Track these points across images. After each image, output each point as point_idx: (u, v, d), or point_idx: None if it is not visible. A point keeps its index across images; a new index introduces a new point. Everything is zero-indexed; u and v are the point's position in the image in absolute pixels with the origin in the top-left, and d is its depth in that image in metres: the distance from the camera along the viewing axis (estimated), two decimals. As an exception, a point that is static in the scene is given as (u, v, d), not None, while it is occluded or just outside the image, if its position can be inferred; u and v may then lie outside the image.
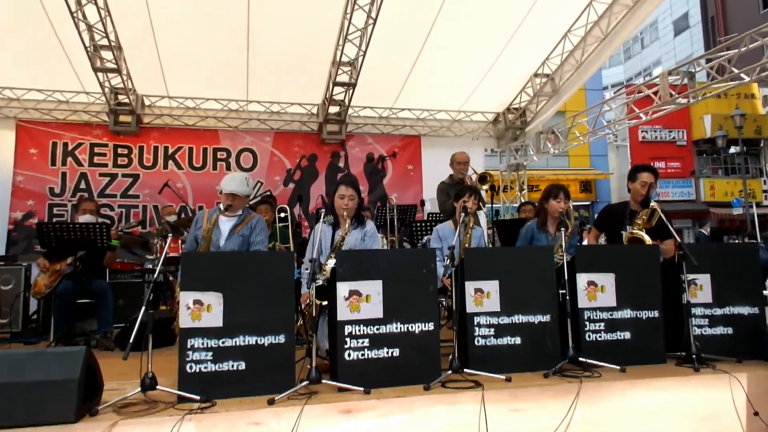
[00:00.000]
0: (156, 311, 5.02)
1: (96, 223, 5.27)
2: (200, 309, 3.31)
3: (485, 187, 6.16)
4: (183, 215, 8.41)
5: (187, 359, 3.24)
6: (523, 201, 9.49)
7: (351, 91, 8.51)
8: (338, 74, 7.97)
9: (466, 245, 4.42)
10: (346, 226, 4.00)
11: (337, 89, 8.48)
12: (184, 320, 3.29)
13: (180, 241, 6.06)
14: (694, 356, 3.77)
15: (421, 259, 3.60)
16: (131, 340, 2.96)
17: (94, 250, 5.19)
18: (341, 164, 9.85)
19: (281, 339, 3.38)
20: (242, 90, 8.94)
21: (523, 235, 4.67)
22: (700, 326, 4.09)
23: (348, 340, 3.43)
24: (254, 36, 7.65)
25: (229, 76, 8.44)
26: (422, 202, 9.02)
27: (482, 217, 6.07)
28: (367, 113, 9.88)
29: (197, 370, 3.24)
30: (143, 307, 3.09)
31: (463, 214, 4.43)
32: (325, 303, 3.71)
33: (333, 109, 9.26)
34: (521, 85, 9.71)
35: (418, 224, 6.57)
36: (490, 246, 5.79)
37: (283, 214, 6.42)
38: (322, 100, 9.39)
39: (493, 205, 6.16)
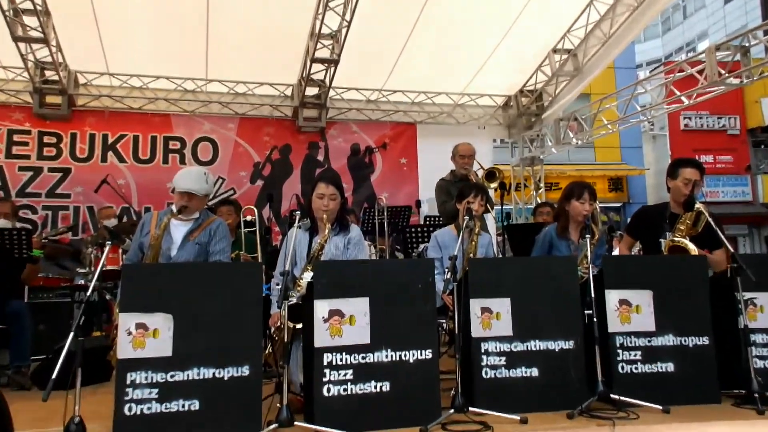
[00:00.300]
0: (88, 338, 4.83)
1: (12, 229, 5.19)
2: (144, 334, 3.27)
3: (494, 185, 6.18)
4: (125, 219, 8.39)
5: (126, 398, 3.19)
6: (539, 202, 9.55)
7: (332, 69, 8.51)
8: (317, 49, 7.98)
9: (471, 255, 4.43)
10: (326, 231, 4.03)
11: (316, 67, 8.47)
12: (124, 349, 3.25)
13: (121, 251, 6.03)
14: (756, 395, 3.69)
15: (416, 272, 3.62)
16: (54, 376, 2.85)
17: (9, 262, 5.08)
18: (320, 157, 9.89)
19: (245, 371, 3.35)
20: (200, 66, 8.92)
21: (539, 244, 4.69)
22: (762, 357, 4.06)
23: (327, 371, 3.42)
24: (216, 1, 7.62)
25: (184, 50, 8.43)
26: (418, 203, 9.06)
27: (490, 221, 6.10)
28: (351, 96, 9.90)
29: (138, 412, 3.19)
30: (71, 334, 3.05)
31: (467, 218, 4.44)
32: (299, 326, 3.72)
33: (311, 91, 9.26)
34: (537, 63, 9.76)
35: (413, 230, 6.61)
36: (500, 256, 5.78)
37: (249, 218, 6.41)
38: (297, 80, 9.38)
39: (504, 207, 6.22)
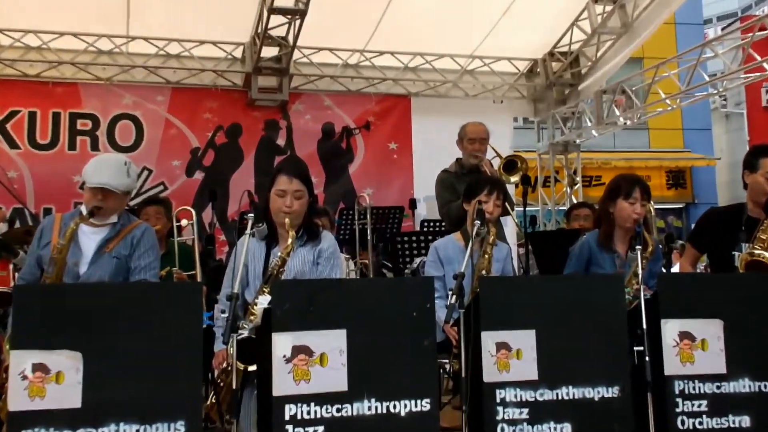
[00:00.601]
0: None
1: None
2: (44, 379, 3.23)
3: (514, 179, 6.25)
4: (17, 224, 8.31)
5: (21, 466, 3.14)
6: (575, 202, 9.62)
7: (298, 22, 8.53)
8: (277, -5, 8.02)
9: (483, 272, 4.48)
10: (289, 241, 4.05)
11: (276, 19, 8.49)
12: (17, 398, 3.20)
13: (12, 267, 5.91)
14: None
15: (410, 296, 3.63)
16: None
17: None
18: (281, 141, 9.95)
19: (180, 427, 3.32)
20: (119, 20, 8.93)
21: (575, 257, 4.72)
22: None
23: (290, 428, 3.37)
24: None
25: (97, -2, 8.35)
26: (412, 203, 9.12)
27: (509, 227, 6.09)
28: (323, 59, 9.92)
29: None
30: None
31: (477, 223, 4.46)
32: (252, 368, 3.73)
33: (268, 52, 9.27)
34: (572, 17, 9.84)
35: (406, 238, 6.62)
36: (522, 273, 5.77)
37: (184, 222, 6.38)
38: (250, 38, 9.40)
39: (528, 209, 6.17)
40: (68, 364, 3.26)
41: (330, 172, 10.01)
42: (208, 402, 3.99)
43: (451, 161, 6.45)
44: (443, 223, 6.57)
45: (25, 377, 3.21)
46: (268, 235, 4.22)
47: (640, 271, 4.02)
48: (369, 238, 6.92)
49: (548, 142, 11.01)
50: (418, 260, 6.18)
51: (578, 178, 10.84)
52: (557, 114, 10.74)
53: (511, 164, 6.34)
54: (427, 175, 7.69)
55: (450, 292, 3.88)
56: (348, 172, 10.08)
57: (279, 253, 4.07)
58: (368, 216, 7.07)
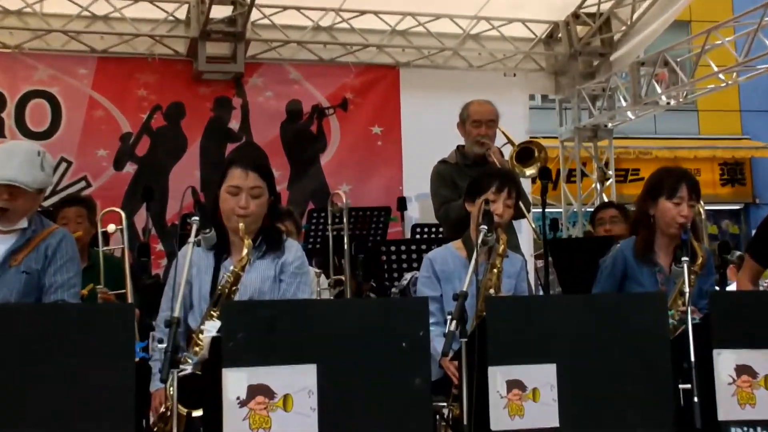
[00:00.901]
0: None
1: None
2: None
3: (530, 172, 6.31)
4: None
5: None
6: (605, 201, 9.71)
7: (256, -26, 8.50)
8: (230, -61, 7.99)
9: (491, 291, 4.48)
10: (244, 252, 4.05)
11: (229, -30, 8.46)
12: None
13: None
14: None
15: (398, 322, 3.62)
16: None
17: None
18: (234, 124, 9.93)
19: (105, 491, 3.29)
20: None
21: (606, 271, 4.80)
22: None
23: (246, 488, 3.37)
24: None
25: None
26: (401, 203, 9.15)
27: (525, 233, 6.12)
28: (289, 20, 9.91)
29: None
30: None
31: (484, 228, 4.44)
32: (197, 413, 3.72)
33: (220, 11, 9.22)
34: (603, -32, 9.84)
35: (394, 248, 6.60)
36: (540, 292, 5.79)
37: (112, 228, 6.35)
38: (196, -6, 9.35)
39: (546, 210, 6.13)
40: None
41: (296, 163, 9.98)
42: (142, 457, 3.92)
43: (450, 149, 6.44)
44: (440, 229, 6.64)
45: None
46: (218, 243, 4.20)
47: (687, 289, 3.99)
48: (346, 247, 6.74)
49: (573, 126, 11.04)
50: (408, 276, 6.11)
51: (610, 172, 10.86)
52: (584, 91, 10.76)
53: (526, 153, 6.36)
54: (420, 167, 7.58)
55: (449, 317, 3.82)
56: (319, 163, 10.04)
57: (231, 267, 4.06)
58: (345, 219, 6.87)
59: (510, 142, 6.68)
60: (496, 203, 4.68)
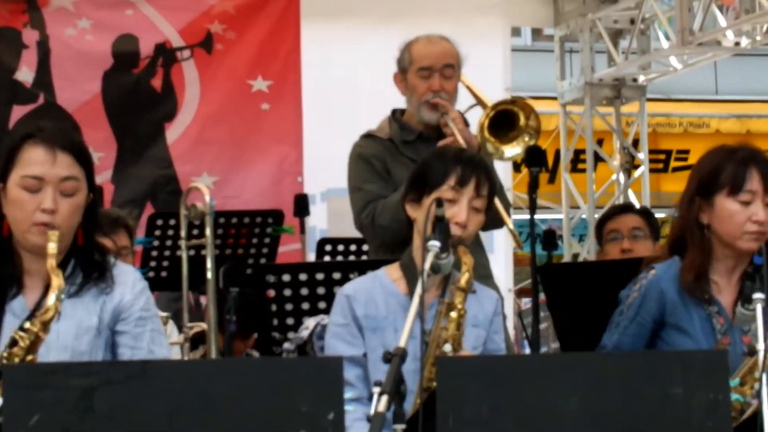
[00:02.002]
0: None
1: None
2: None
3: (512, 151, 5.39)
4: None
5: None
6: (623, 203, 8.61)
7: None
8: None
9: (446, 348, 3.78)
10: (54, 284, 3.35)
11: None
12: None
13: None
14: None
15: (293, 396, 3.04)
16: None
17: None
18: (26, 73, 8.45)
19: None
20: None
21: (631, 313, 4.09)
22: None
23: None
24: None
25: None
26: (300, 203, 7.70)
27: (500, 252, 5.68)
28: None
29: None
30: None
31: (435, 246, 3.59)
32: None
33: None
34: None
35: (287, 277, 5.63)
36: (526, 350, 5.33)
37: None
38: None
39: (536, 215, 5.46)
40: None
41: (127, 139, 8.61)
42: None
43: (381, 116, 5.54)
44: (364, 246, 6.06)
45: None
46: (4, 274, 3.53)
47: (762, 348, 3.21)
48: (210, 276, 5.72)
49: (582, 80, 9.65)
50: (311, 323, 5.00)
51: (641, 155, 9.65)
52: (600, 23, 9.38)
53: (505, 121, 5.34)
54: (332, 145, 7.08)
55: (376, 390, 3.08)
56: (165, 139, 8.59)
57: (30, 314, 3.43)
58: (208, 231, 5.79)
59: (480, 102, 5.68)
60: (455, 205, 3.89)
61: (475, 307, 3.95)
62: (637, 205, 7.88)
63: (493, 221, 4.93)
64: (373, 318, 4.04)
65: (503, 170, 5.63)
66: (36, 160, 3.51)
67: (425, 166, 4.15)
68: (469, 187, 3.96)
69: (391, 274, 4.15)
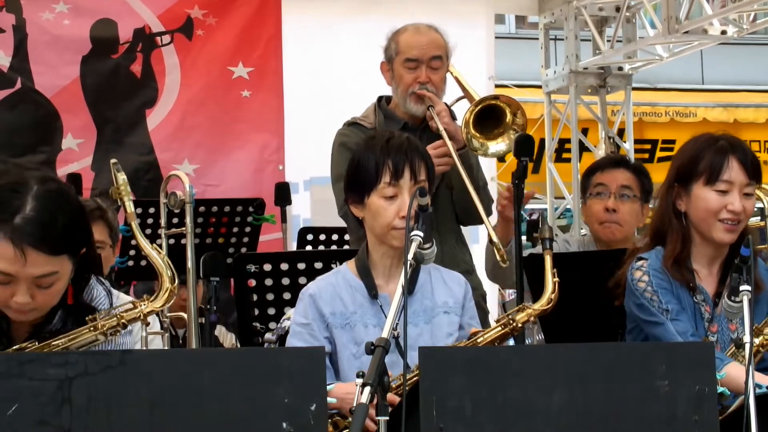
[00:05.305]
0: None
1: None
2: None
3: (497, 146, 5.36)
4: None
5: None
6: (610, 154, 8.77)
7: None
8: None
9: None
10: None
11: None
12: None
13: None
14: None
15: (276, 387, 3.02)
16: None
17: None
18: (4, 61, 8.29)
19: None
20: None
21: (662, 287, 4.03)
22: None
23: None
24: None
25: None
26: (282, 191, 7.75)
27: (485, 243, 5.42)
28: None
29: None
30: None
31: (418, 236, 3.49)
32: None
33: None
34: None
35: (269, 267, 5.61)
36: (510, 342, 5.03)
37: None
38: None
39: (525, 205, 5.19)
40: None
41: (107, 126, 8.51)
42: None
43: (365, 104, 5.55)
44: (346, 234, 6.05)
45: None
46: None
47: (748, 339, 3.22)
48: (189, 265, 5.73)
49: (567, 68, 9.69)
50: (291, 313, 4.90)
51: (627, 144, 9.70)
52: (585, 10, 9.44)
53: (491, 116, 5.29)
54: (314, 133, 7.26)
55: (359, 383, 3.01)
56: (145, 126, 8.54)
57: None
58: (188, 219, 5.80)
59: (467, 95, 5.63)
60: (398, 199, 3.86)
61: (444, 293, 3.99)
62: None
63: (475, 218, 5.00)
64: (340, 314, 4.01)
65: (488, 159, 5.63)
66: (3, 255, 3.13)
67: (356, 167, 4.05)
68: (405, 177, 3.89)
69: (353, 268, 4.13)
